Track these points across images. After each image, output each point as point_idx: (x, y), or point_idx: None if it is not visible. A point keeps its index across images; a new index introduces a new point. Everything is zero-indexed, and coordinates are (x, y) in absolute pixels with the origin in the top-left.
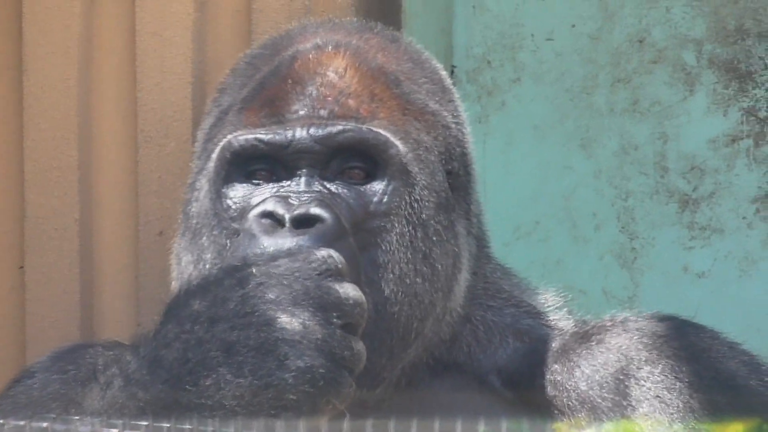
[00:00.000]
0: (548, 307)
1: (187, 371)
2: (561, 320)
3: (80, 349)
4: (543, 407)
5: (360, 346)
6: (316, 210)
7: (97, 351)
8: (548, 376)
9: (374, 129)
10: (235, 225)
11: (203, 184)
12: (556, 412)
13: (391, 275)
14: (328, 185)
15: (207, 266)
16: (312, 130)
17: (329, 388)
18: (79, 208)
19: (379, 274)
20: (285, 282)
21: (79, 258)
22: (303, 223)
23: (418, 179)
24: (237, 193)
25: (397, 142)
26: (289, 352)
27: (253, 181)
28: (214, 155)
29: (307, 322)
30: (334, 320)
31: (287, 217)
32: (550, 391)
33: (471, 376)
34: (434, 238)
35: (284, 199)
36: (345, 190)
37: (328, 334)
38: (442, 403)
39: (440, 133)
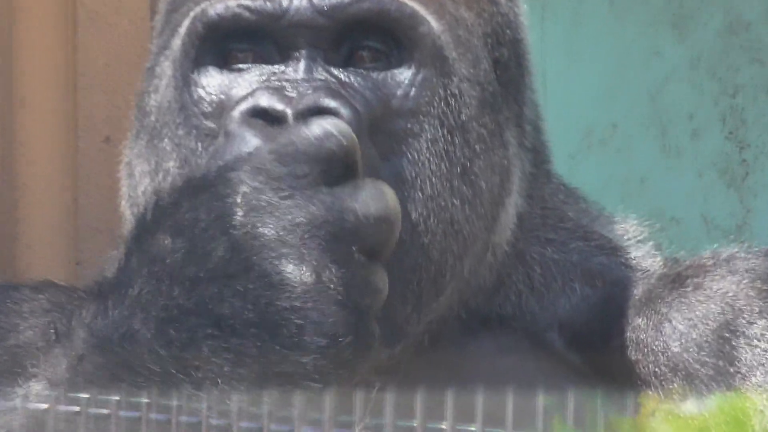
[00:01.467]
0: (628, 240)
1: (171, 356)
2: (645, 258)
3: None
4: (621, 374)
5: (383, 279)
6: (327, 101)
7: (23, 295)
8: (628, 334)
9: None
10: (209, 123)
11: (165, 69)
12: (639, 381)
13: (420, 194)
14: (335, 72)
15: (168, 178)
16: None
17: (355, 359)
18: None
19: (405, 192)
20: (282, 205)
21: None
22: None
23: (456, 67)
24: (212, 80)
25: (429, 17)
26: (304, 323)
27: (234, 66)
28: (182, 29)
29: (320, 271)
30: (355, 256)
31: (290, 112)
32: (631, 352)
33: (522, 334)
34: (476, 147)
35: (279, 91)
36: (359, 79)
37: (350, 281)
38: (479, 368)
39: (486, 9)
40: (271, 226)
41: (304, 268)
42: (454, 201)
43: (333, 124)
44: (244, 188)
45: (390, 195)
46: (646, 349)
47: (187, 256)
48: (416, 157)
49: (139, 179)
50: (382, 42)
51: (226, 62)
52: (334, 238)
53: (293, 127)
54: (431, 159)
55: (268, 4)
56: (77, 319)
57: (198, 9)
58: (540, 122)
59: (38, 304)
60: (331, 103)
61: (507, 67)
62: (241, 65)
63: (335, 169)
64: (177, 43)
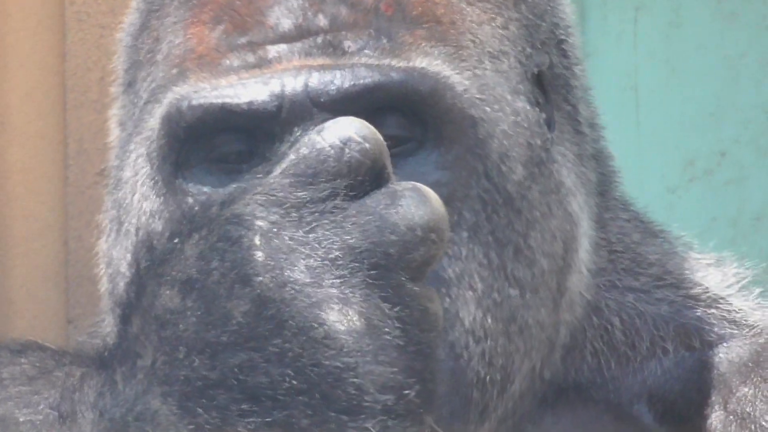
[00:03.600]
0: (728, 287)
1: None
2: (752, 311)
3: None
4: None
5: (437, 299)
6: None
7: (2, 358)
8: (731, 406)
9: (416, 66)
10: None
11: (140, 163)
12: None
13: (470, 294)
14: None
15: None
16: (313, 82)
17: (424, 408)
18: None
19: (451, 295)
20: (309, 240)
21: None
22: None
23: (492, 127)
24: (203, 187)
25: (453, 75)
26: (362, 380)
27: (226, 167)
28: (153, 122)
29: (371, 313)
30: (406, 285)
31: None
32: (735, 429)
33: (603, 406)
34: (529, 216)
35: None
36: None
37: (407, 317)
38: None
39: (512, 14)
40: (301, 268)
41: (350, 314)
42: (511, 291)
43: (350, 126)
44: (259, 224)
45: (432, 196)
46: (753, 426)
47: (203, 316)
48: (458, 251)
49: (122, 276)
50: (400, 125)
51: (215, 160)
52: (379, 268)
53: (303, 136)
54: (476, 250)
55: (257, 101)
56: (80, 397)
57: (169, 101)
58: (597, 120)
59: (20, 369)
60: None
61: (551, 67)
62: (235, 166)
63: (363, 180)
64: (148, 136)
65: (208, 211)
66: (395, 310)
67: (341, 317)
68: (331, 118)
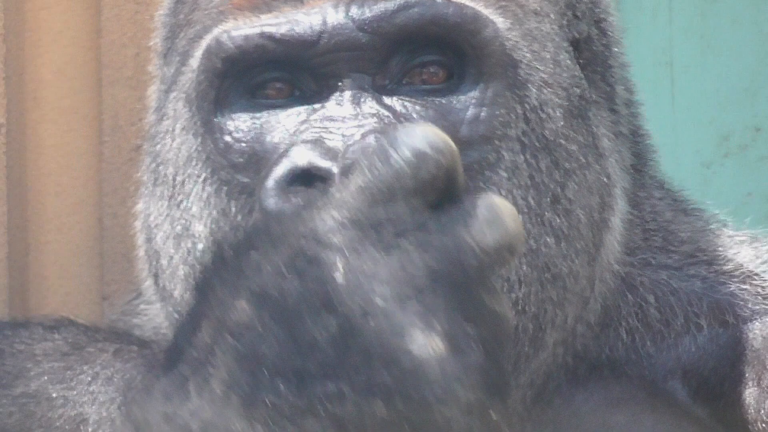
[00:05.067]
0: (761, 263)
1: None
2: None
3: (8, 329)
4: None
5: (508, 308)
6: None
7: (35, 334)
8: (764, 382)
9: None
10: (242, 178)
11: (179, 109)
12: None
13: None
14: (388, 101)
15: (199, 245)
16: (354, 10)
17: (503, 419)
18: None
19: None
20: (391, 262)
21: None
22: None
23: (532, 72)
24: (241, 124)
25: (493, 14)
26: (451, 408)
27: (265, 102)
28: (193, 61)
29: (456, 335)
30: (486, 304)
31: (336, 170)
32: None
33: (637, 382)
34: (567, 166)
35: (319, 142)
36: (417, 108)
37: (487, 336)
38: (588, 426)
39: None
40: (385, 292)
41: (435, 339)
42: (547, 239)
43: (422, 138)
44: (337, 243)
45: (507, 211)
46: None
47: (285, 339)
48: (497, 192)
49: (161, 245)
50: (440, 53)
51: (254, 97)
52: (460, 288)
53: (374, 145)
54: (514, 192)
55: (297, 28)
56: (130, 391)
57: (210, 38)
58: (634, 97)
59: (53, 345)
60: None
61: (589, 42)
62: (273, 100)
63: (438, 194)
64: (189, 78)
65: (283, 223)
66: (476, 329)
67: (427, 343)
68: (371, 43)
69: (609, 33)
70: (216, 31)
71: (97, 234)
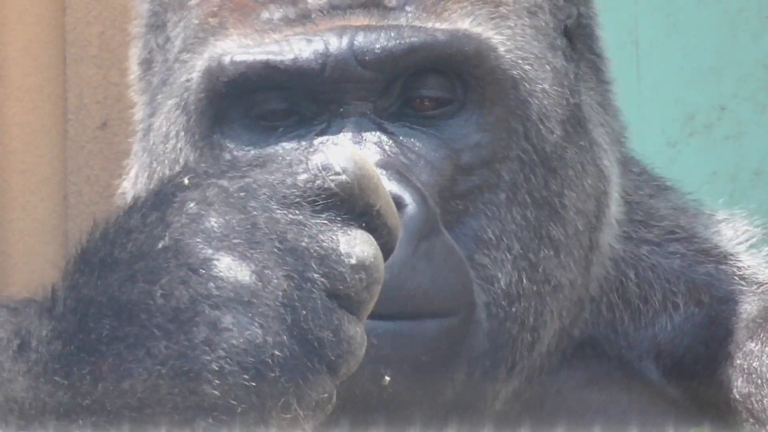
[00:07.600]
0: (738, 244)
1: (78, 354)
2: (760, 268)
3: None
4: (728, 410)
5: (358, 331)
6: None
7: None
8: (738, 361)
9: (459, 28)
10: None
11: (174, 116)
12: (750, 418)
13: (507, 255)
14: (390, 128)
15: None
16: (359, 41)
17: (288, 384)
18: None
19: (489, 255)
20: (243, 209)
21: None
22: None
23: (532, 87)
24: (241, 143)
25: (494, 36)
26: (225, 318)
27: (266, 124)
28: (192, 82)
29: (266, 272)
30: (315, 278)
31: None
32: (741, 384)
33: (615, 363)
34: (564, 174)
35: None
36: (419, 135)
37: (299, 296)
38: (565, 404)
39: None
40: (217, 225)
41: (242, 267)
42: (546, 251)
43: (335, 156)
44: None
45: (376, 254)
46: (759, 381)
47: (128, 250)
48: (496, 212)
49: None
50: (443, 86)
51: (253, 116)
52: (294, 254)
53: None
54: (514, 210)
55: (301, 59)
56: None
57: (211, 56)
58: (608, 75)
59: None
60: (393, 190)
61: (579, 17)
62: (274, 123)
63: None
64: (184, 85)
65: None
66: (291, 286)
67: (235, 265)
68: (374, 77)
69: (593, 5)
70: (216, 48)
71: (61, 212)
